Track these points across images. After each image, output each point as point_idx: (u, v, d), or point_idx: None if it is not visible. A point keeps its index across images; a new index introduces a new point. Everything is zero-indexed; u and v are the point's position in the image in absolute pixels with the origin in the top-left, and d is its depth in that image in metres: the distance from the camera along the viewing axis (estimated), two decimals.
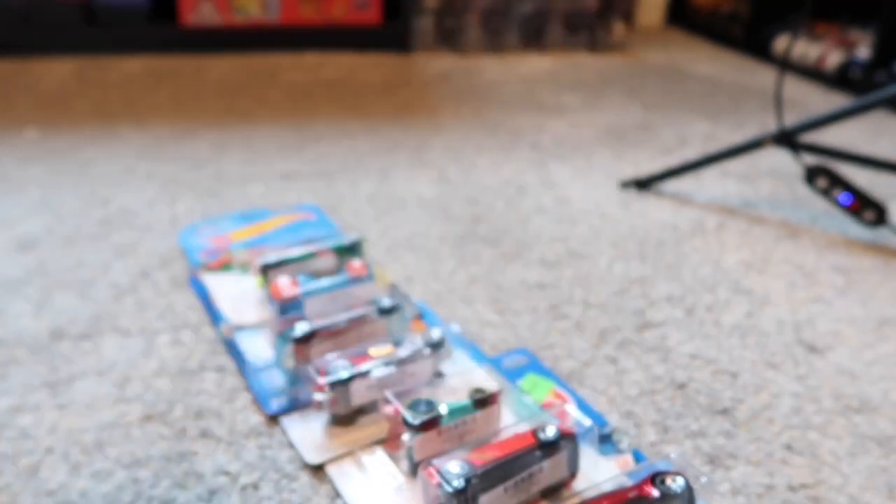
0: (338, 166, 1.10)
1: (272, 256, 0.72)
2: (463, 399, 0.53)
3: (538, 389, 0.62)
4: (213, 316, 0.71)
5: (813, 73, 1.67)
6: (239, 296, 0.73)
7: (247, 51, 1.76)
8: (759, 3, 1.88)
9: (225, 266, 0.79)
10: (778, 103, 0.92)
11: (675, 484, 0.45)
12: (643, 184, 1.04)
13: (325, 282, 0.68)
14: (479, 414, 0.53)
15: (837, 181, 0.91)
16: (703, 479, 0.46)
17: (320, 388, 0.55)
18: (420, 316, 0.72)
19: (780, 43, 1.78)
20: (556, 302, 0.76)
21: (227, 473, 0.53)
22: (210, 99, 1.40)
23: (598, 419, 0.59)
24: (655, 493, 0.45)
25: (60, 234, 0.87)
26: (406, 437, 0.51)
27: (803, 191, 1.06)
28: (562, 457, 0.49)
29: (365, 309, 0.64)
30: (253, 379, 0.62)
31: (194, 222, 0.91)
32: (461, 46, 1.85)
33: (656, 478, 0.46)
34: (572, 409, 0.59)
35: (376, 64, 1.72)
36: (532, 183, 1.06)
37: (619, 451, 0.56)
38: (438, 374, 0.60)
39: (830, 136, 1.30)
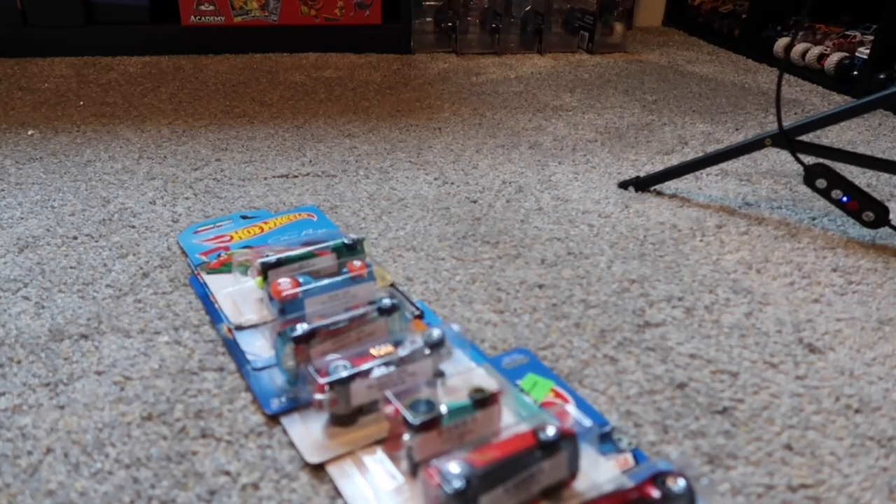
0: (338, 166, 1.10)
1: (272, 256, 0.72)
2: (463, 399, 0.53)
3: (538, 389, 0.62)
4: (213, 316, 0.71)
5: (813, 73, 1.67)
6: (239, 296, 0.73)
7: (247, 51, 1.76)
8: (758, 3, 1.88)
9: (225, 266, 0.79)
10: (778, 103, 0.92)
11: (677, 485, 0.45)
12: (642, 184, 1.04)
13: (325, 282, 0.68)
14: (480, 414, 0.53)
15: (837, 181, 0.91)
16: (705, 481, 0.46)
17: (320, 388, 0.55)
18: (420, 316, 0.72)
19: (780, 43, 1.78)
20: (555, 302, 0.76)
21: (227, 473, 0.53)
22: (210, 99, 1.40)
23: (598, 419, 0.59)
24: (656, 493, 0.45)
25: (60, 234, 0.87)
26: (406, 437, 0.51)
27: (803, 191, 1.06)
28: (562, 457, 0.49)
29: (365, 309, 0.64)
30: (253, 379, 0.62)
31: (194, 222, 0.91)
32: (461, 47, 1.85)
33: (657, 478, 0.46)
34: (572, 409, 0.59)
35: (376, 64, 1.72)
36: (532, 183, 1.06)
37: (619, 451, 0.56)
38: (438, 374, 0.60)
39: (830, 136, 1.30)
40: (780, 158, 1.18)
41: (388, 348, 0.58)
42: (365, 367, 0.56)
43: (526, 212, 0.96)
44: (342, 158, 1.13)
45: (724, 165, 1.14)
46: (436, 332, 0.60)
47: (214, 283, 0.76)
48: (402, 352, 0.58)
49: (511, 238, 0.89)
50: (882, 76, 1.47)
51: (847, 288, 0.80)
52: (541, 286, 0.78)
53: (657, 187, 1.05)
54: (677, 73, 1.72)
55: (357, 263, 0.72)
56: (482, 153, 1.16)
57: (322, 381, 0.55)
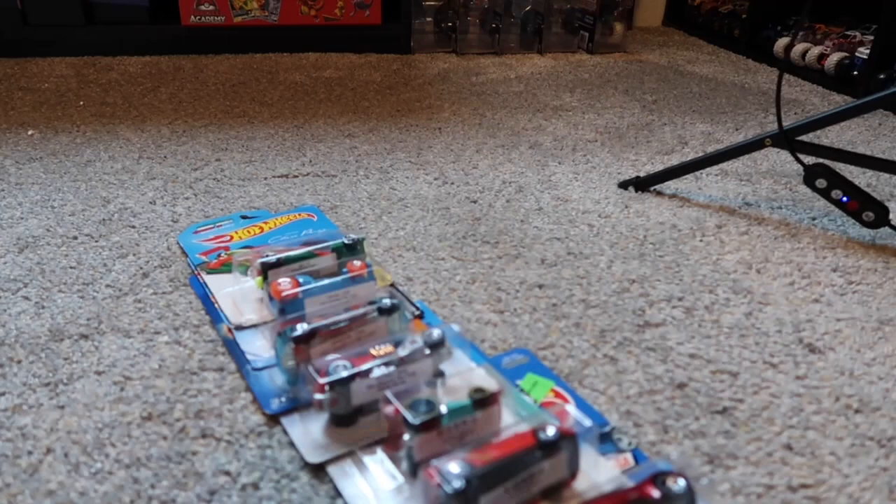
0: (338, 166, 1.10)
1: (272, 256, 0.72)
2: (463, 399, 0.53)
3: (538, 389, 0.62)
4: (213, 316, 0.71)
5: (813, 73, 1.67)
6: (239, 296, 0.73)
7: (247, 51, 1.76)
8: (758, 3, 1.88)
9: (225, 266, 0.79)
10: (778, 103, 0.92)
11: (677, 485, 0.45)
12: (642, 184, 1.04)
13: (325, 282, 0.68)
14: (480, 414, 0.53)
15: (837, 181, 0.91)
16: (705, 481, 0.46)
17: (320, 388, 0.55)
18: (420, 316, 0.72)
19: (780, 43, 1.78)
20: (555, 302, 0.76)
21: (227, 473, 0.53)
22: (210, 99, 1.40)
23: (598, 419, 0.59)
24: (656, 493, 0.45)
25: (60, 234, 0.87)
26: (406, 437, 0.51)
27: (803, 191, 1.06)
28: (562, 457, 0.49)
29: (365, 309, 0.64)
30: (253, 379, 0.62)
31: (194, 222, 0.91)
32: (461, 47, 1.85)
33: (657, 478, 0.46)
34: (572, 409, 0.59)
35: (376, 64, 1.72)
36: (531, 183, 1.06)
37: (619, 451, 0.56)
38: (438, 374, 0.60)
39: (830, 136, 1.30)
40: (780, 158, 1.18)
41: (388, 348, 0.58)
42: (365, 367, 0.56)
43: (526, 212, 0.96)
44: (342, 158, 1.13)
45: (724, 165, 1.14)
46: (436, 332, 0.60)
47: (214, 283, 0.76)
48: (402, 352, 0.58)
49: (511, 238, 0.89)
50: (882, 76, 1.47)
51: (847, 288, 0.80)
52: (541, 286, 0.78)
53: (657, 187, 1.05)
54: (677, 73, 1.72)
55: (357, 263, 0.72)
56: (482, 153, 1.16)
57: (322, 381, 0.55)
